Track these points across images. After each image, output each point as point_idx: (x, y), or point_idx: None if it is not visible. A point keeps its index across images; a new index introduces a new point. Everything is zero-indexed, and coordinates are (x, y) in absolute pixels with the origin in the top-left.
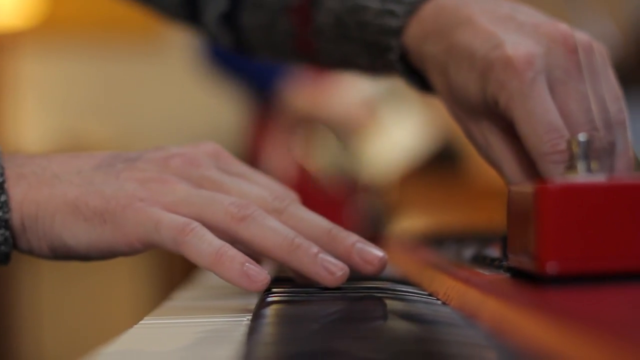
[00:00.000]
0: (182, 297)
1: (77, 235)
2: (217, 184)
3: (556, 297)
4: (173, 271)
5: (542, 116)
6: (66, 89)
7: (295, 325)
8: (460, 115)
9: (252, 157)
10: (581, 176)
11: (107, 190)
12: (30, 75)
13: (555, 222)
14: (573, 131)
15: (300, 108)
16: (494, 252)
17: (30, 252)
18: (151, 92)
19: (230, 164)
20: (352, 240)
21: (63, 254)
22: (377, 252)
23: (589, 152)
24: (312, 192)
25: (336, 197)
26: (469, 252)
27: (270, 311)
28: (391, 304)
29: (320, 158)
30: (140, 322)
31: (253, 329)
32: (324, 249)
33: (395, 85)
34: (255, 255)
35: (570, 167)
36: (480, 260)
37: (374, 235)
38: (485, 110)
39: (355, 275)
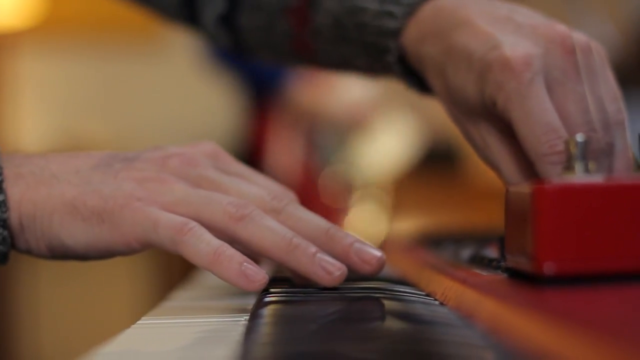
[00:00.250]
0: (180, 297)
1: (75, 235)
2: (215, 184)
3: (553, 298)
4: (171, 271)
5: (540, 117)
6: (65, 88)
7: (293, 325)
8: (459, 116)
9: (254, 154)
10: (578, 177)
11: (105, 190)
12: (30, 75)
13: (552, 222)
14: (571, 132)
15: (302, 105)
16: (492, 252)
17: (29, 252)
18: (150, 92)
19: (229, 164)
20: (350, 240)
21: (61, 253)
22: (375, 252)
23: (587, 153)
24: (313, 189)
25: (335, 197)
26: (466, 253)
27: (267, 311)
28: (389, 304)
29: (322, 155)
30: (138, 322)
31: (250, 329)
32: (322, 249)
33: (387, 86)
34: (254, 255)
35: (568, 167)
36: (478, 261)
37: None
38: (483, 111)
39: (353, 276)
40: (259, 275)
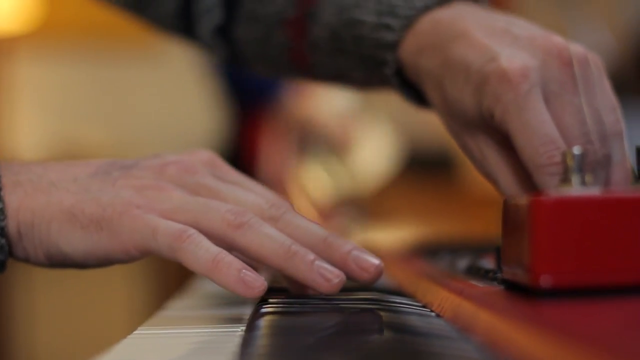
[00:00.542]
0: (176, 306)
1: (74, 242)
2: (213, 192)
3: (550, 311)
4: (168, 275)
5: (538, 128)
6: (62, 94)
7: (289, 337)
8: (456, 129)
9: (247, 163)
10: (575, 189)
11: (104, 198)
12: (26, 80)
13: (549, 235)
14: (568, 144)
15: (293, 114)
16: (489, 263)
17: (27, 260)
18: (147, 97)
19: (226, 172)
20: (348, 248)
21: (59, 261)
22: (373, 260)
23: (584, 165)
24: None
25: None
26: (463, 263)
27: (264, 322)
28: (386, 316)
29: (314, 167)
30: (134, 332)
31: (247, 341)
32: (321, 257)
33: (367, 97)
34: (252, 262)
35: (565, 180)
36: (475, 272)
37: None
38: (481, 123)
39: (350, 286)
40: (258, 281)
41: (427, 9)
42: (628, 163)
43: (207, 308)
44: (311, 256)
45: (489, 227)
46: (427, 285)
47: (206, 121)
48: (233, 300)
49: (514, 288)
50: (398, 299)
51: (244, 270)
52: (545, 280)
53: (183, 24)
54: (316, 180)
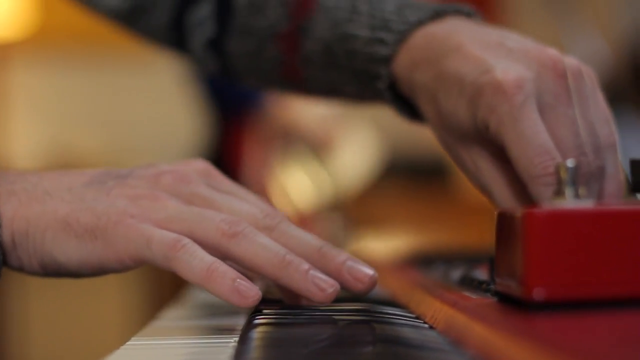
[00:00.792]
0: (170, 316)
1: (68, 252)
2: (207, 201)
3: (542, 324)
4: (162, 283)
5: (533, 139)
6: (57, 100)
7: (282, 349)
8: (450, 142)
9: (231, 169)
10: (569, 202)
11: (98, 207)
12: (21, 87)
13: (542, 247)
14: (562, 156)
15: (278, 121)
16: (482, 274)
17: (21, 269)
18: (142, 104)
19: (220, 182)
20: (342, 258)
21: (54, 270)
22: (368, 270)
23: (577, 177)
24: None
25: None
26: (457, 274)
27: (257, 334)
28: (379, 328)
29: (296, 172)
30: (127, 343)
31: (240, 353)
32: (315, 266)
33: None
34: (246, 272)
35: (558, 193)
36: (468, 283)
37: None
38: (476, 135)
39: (344, 296)
40: (252, 291)
41: (420, 23)
42: (621, 175)
43: (200, 318)
44: (305, 266)
45: (483, 235)
46: (420, 296)
47: (199, 128)
48: (227, 310)
49: (507, 300)
50: (391, 310)
51: (238, 280)
52: (539, 293)
53: (175, 37)
54: (299, 186)
